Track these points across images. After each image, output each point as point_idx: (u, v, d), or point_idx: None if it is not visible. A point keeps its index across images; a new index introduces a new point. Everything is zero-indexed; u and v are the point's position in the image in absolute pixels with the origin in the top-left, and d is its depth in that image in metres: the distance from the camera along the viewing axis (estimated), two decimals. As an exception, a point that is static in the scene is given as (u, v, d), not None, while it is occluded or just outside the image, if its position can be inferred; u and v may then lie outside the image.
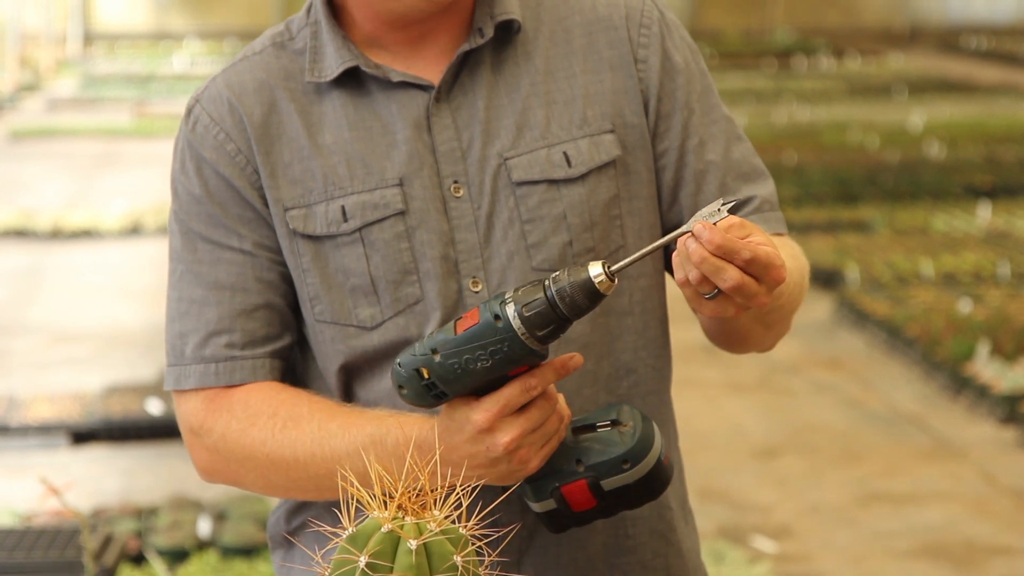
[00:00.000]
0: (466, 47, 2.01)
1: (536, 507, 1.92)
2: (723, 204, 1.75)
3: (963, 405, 7.40)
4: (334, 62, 2.02)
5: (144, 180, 13.36)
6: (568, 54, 2.05)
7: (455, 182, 2.00)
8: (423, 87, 2.01)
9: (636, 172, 2.05)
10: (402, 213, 1.99)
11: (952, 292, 9.07)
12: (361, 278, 2.00)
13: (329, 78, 2.02)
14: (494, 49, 2.04)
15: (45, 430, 6.92)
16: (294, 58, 2.06)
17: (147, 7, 25.46)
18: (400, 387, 1.85)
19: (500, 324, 1.79)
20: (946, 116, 16.34)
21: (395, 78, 2.01)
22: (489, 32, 2.01)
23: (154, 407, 7.01)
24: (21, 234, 11.41)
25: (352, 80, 2.03)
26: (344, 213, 1.99)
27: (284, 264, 2.03)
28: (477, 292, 1.99)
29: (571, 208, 2.01)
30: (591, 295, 1.78)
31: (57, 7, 23.69)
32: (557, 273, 1.79)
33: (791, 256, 2.01)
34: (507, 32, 2.04)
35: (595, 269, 1.77)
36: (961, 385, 7.48)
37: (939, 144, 14.03)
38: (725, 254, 1.74)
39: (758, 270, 1.75)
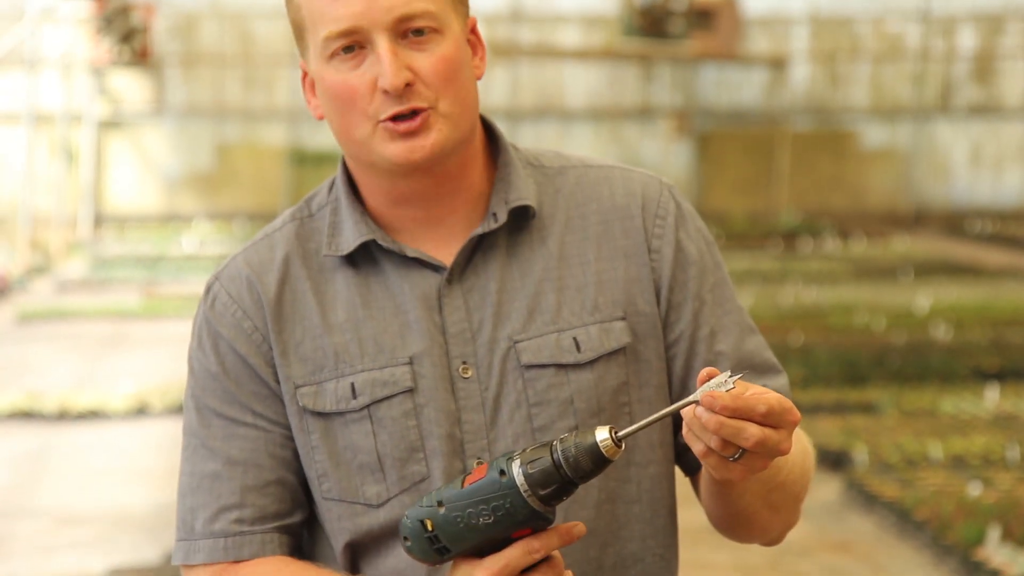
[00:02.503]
0: (480, 231, 2.03)
1: None
2: (731, 377, 1.76)
3: (974, 590, 7.32)
4: (351, 236, 2.05)
5: (152, 361, 13.37)
6: (583, 240, 2.07)
7: (464, 363, 2.02)
8: (436, 267, 2.03)
9: (646, 360, 2.06)
10: (411, 391, 2.01)
11: (961, 475, 9.02)
12: (368, 455, 2.01)
13: (345, 252, 2.05)
14: (509, 232, 2.06)
15: (48, 614, 6.85)
16: (312, 235, 2.09)
17: (157, 190, 25.70)
18: (405, 539, 1.86)
19: (504, 480, 1.80)
20: (952, 299, 16.38)
21: (410, 254, 2.03)
22: (503, 217, 2.04)
23: (158, 591, 6.95)
24: (28, 416, 11.39)
25: (367, 256, 2.05)
26: (353, 390, 2.01)
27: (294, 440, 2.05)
28: None
29: (579, 393, 2.01)
30: (596, 459, 1.78)
31: (68, 191, 23.91)
32: (565, 435, 1.80)
33: (797, 443, 2.01)
34: (522, 217, 2.06)
35: (602, 434, 1.78)
36: (972, 570, 7.41)
37: (946, 326, 14.05)
38: (741, 415, 1.75)
39: (775, 420, 1.77)
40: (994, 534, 7.49)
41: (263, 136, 25.99)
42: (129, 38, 24.81)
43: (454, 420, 2.01)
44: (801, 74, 27.13)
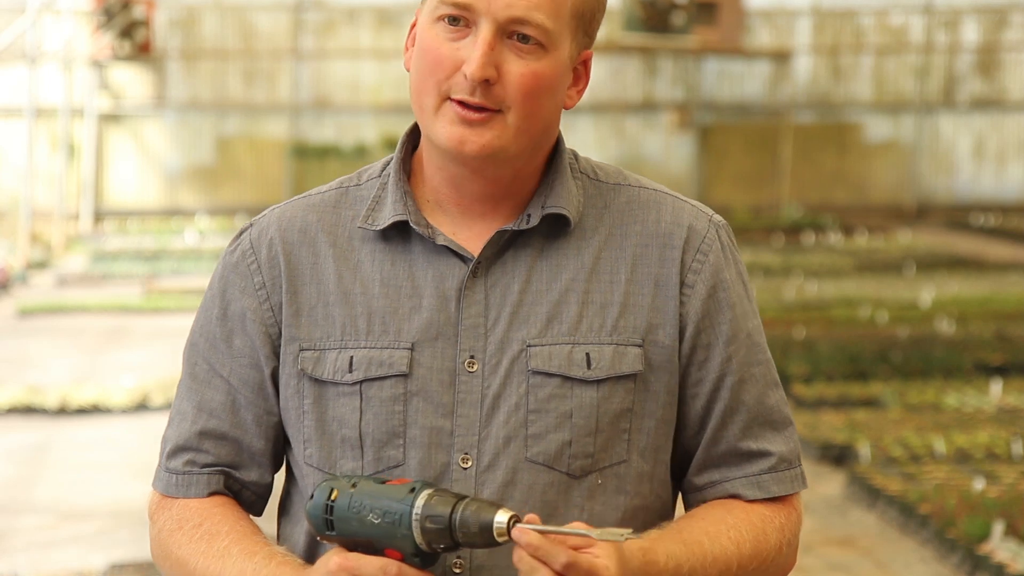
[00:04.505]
0: (510, 227, 2.02)
1: None
2: (626, 536, 1.79)
3: (979, 585, 7.30)
4: (388, 213, 2.05)
5: (152, 355, 13.36)
6: (618, 259, 2.05)
7: (471, 357, 2.01)
8: (464, 258, 2.01)
9: (655, 392, 2.03)
10: (404, 376, 2.01)
11: (965, 470, 9.00)
12: (351, 430, 2.02)
13: (379, 227, 2.05)
14: (546, 236, 2.05)
15: (48, 610, 6.84)
16: (352, 204, 2.10)
17: (158, 185, 25.69)
18: (311, 496, 1.92)
19: (408, 497, 1.84)
20: (955, 293, 16.37)
21: (439, 241, 2.03)
22: (535, 220, 2.03)
23: (159, 587, 6.93)
24: (28, 410, 11.37)
25: (399, 236, 2.06)
26: (351, 364, 2.02)
27: (261, 407, 2.08)
28: (466, 468, 1.99)
29: (579, 409, 1.99)
30: (486, 537, 1.81)
31: (69, 185, 23.91)
32: (474, 501, 1.83)
33: (754, 536, 2.02)
34: (561, 224, 2.05)
35: (501, 517, 1.81)
36: (976, 565, 7.39)
37: (949, 320, 14.03)
38: (541, 557, 1.79)
39: (575, 574, 1.80)
40: (998, 529, 7.47)
41: (264, 130, 25.98)
42: (130, 32, 24.80)
43: (446, 412, 2.00)
44: (804, 67, 27.11)
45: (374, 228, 2.06)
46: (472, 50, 1.98)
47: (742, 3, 24.30)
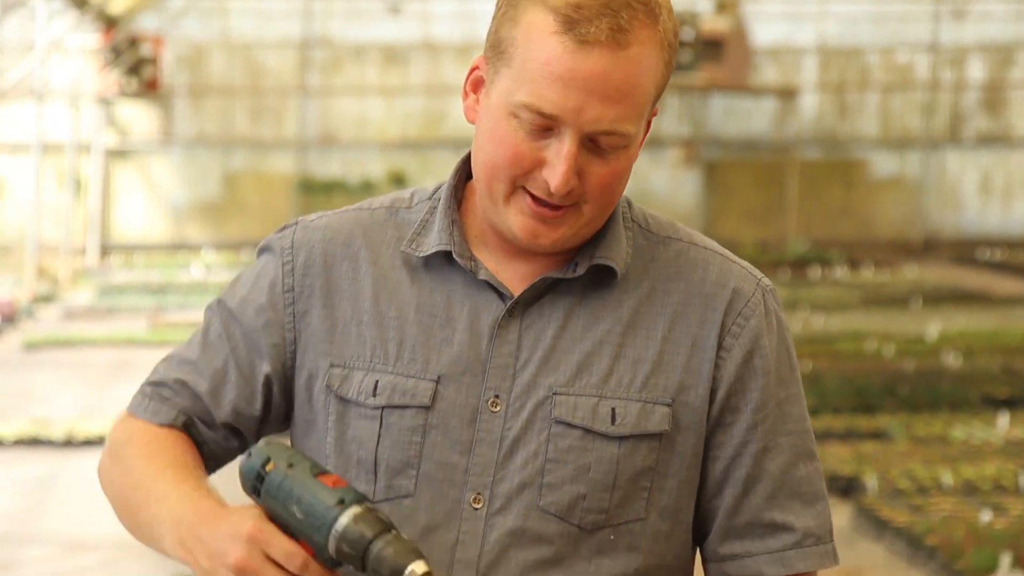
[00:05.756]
0: (554, 275, 1.98)
1: None
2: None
3: (987, 616, 7.28)
4: (434, 241, 2.01)
5: (159, 389, 13.34)
6: (658, 315, 2.00)
7: (496, 396, 1.97)
8: (503, 296, 1.99)
9: (681, 453, 1.98)
10: (425, 408, 1.97)
11: (973, 502, 8.98)
12: (368, 453, 2.00)
13: (421, 255, 2.02)
14: (588, 284, 2.00)
15: (53, 640, 6.82)
16: (400, 225, 2.06)
17: (164, 219, 25.73)
18: (249, 454, 1.91)
19: (336, 508, 1.82)
20: (962, 326, 16.35)
21: (481, 276, 1.99)
22: (581, 270, 1.98)
23: (164, 616, 6.92)
24: (35, 442, 11.37)
25: (441, 263, 2.02)
26: (375, 388, 1.99)
27: (243, 394, 2.08)
28: (477, 509, 1.95)
29: (597, 464, 1.95)
30: None
31: (76, 219, 23.95)
32: (397, 541, 1.80)
33: None
34: (606, 274, 2.00)
35: (417, 568, 1.78)
36: (984, 596, 7.37)
37: (956, 354, 14.01)
38: None
39: None
40: (1006, 560, 7.45)
41: (271, 165, 26.02)
42: (138, 69, 24.87)
43: (464, 450, 1.96)
44: (810, 103, 27.15)
45: (417, 254, 2.02)
46: (556, 161, 1.90)
47: (748, 41, 24.35)
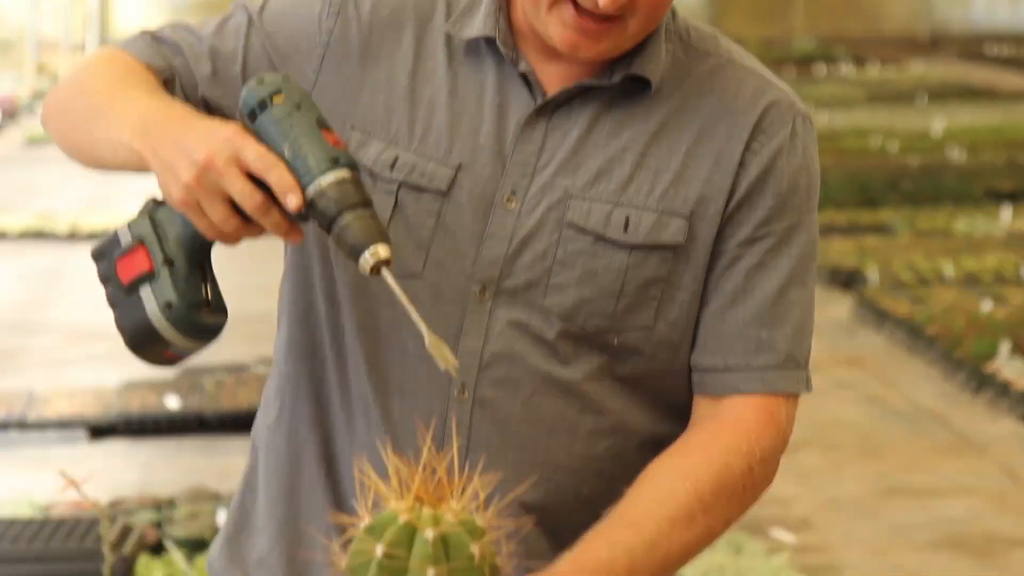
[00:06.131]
0: (588, 83, 1.94)
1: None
2: (451, 370, 1.71)
3: (984, 402, 7.37)
4: (478, 25, 1.96)
5: (163, 183, 13.36)
6: (685, 129, 1.96)
7: (512, 193, 1.93)
8: (534, 93, 1.95)
9: (695, 266, 1.94)
10: (442, 195, 1.93)
11: (973, 293, 9.03)
12: None
13: (463, 38, 1.97)
14: (621, 92, 1.95)
15: (64, 425, 6.92)
16: (448, 4, 2.00)
17: (163, 15, 25.51)
18: (262, 80, 1.80)
19: (320, 167, 1.74)
20: (967, 122, 16.30)
21: (521, 68, 1.95)
22: (616, 79, 1.93)
23: (172, 402, 7.01)
24: (39, 236, 11.42)
25: (479, 50, 1.97)
26: (394, 163, 1.95)
27: (227, 98, 1.99)
28: (482, 302, 1.93)
29: (606, 270, 1.92)
30: (351, 257, 1.72)
31: (75, 15, 23.75)
32: (367, 218, 1.72)
33: (716, 473, 1.89)
34: (639, 84, 1.95)
35: (381, 250, 1.71)
36: (982, 383, 7.45)
37: (960, 149, 13.99)
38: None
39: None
40: (1005, 347, 7.52)
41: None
42: None
43: (474, 242, 1.93)
44: (817, -103, 26.76)
45: (460, 37, 1.97)
46: None
47: None
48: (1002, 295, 8.91)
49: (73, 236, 11.38)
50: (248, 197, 1.74)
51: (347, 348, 1.98)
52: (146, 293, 1.85)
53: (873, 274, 9.45)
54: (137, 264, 1.86)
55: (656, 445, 1.96)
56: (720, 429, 1.94)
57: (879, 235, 10.86)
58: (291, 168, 1.73)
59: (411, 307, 1.71)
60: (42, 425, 6.92)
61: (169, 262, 1.84)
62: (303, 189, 1.73)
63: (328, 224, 1.72)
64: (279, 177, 1.73)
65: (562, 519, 1.95)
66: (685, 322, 1.95)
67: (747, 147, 1.95)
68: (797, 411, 1.99)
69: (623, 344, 1.94)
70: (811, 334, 2.00)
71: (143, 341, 1.85)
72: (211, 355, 9.21)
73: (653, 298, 1.93)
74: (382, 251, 1.70)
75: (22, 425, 6.92)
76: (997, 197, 11.93)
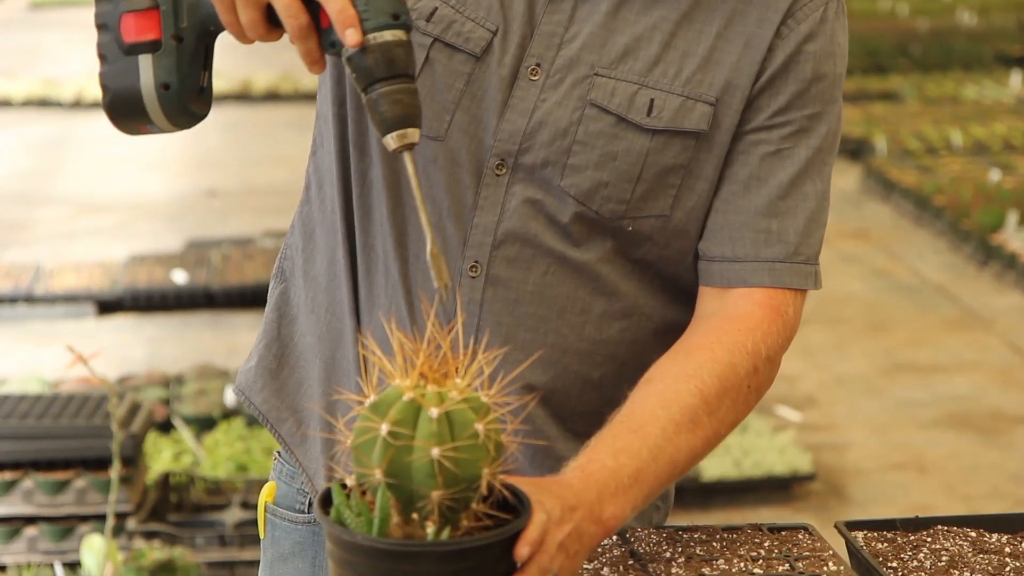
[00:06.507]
0: None
1: None
2: (441, 292, 1.63)
3: (990, 275, 7.37)
4: None
5: (168, 49, 13.28)
6: (716, 11, 1.91)
7: (537, 64, 1.90)
8: None
9: (718, 155, 1.91)
10: (475, 58, 1.89)
11: (981, 161, 8.99)
12: None
13: None
14: None
15: (71, 299, 6.95)
16: None
17: None
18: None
19: (381, 22, 1.62)
20: (978, -16, 16.14)
21: None
22: None
23: (179, 277, 7.02)
24: (44, 103, 11.37)
25: None
26: (432, 14, 1.90)
27: None
28: (499, 175, 1.90)
29: (626, 153, 1.88)
30: (378, 131, 1.63)
31: None
32: (411, 95, 1.62)
33: (719, 373, 1.84)
34: None
35: (411, 134, 1.61)
36: (989, 255, 7.44)
37: (970, 12, 13.87)
38: None
39: None
40: (1012, 218, 7.50)
41: None
42: None
43: (497, 111, 1.89)
44: None
45: None
46: None
47: None
48: (1010, 164, 8.88)
49: (78, 104, 11.33)
50: (293, 16, 1.66)
51: (373, 203, 1.96)
52: (145, 63, 1.75)
53: (881, 143, 9.41)
54: (145, 28, 1.74)
55: (669, 333, 1.94)
56: (725, 327, 1.91)
57: (887, 102, 10.80)
58: (355, 6, 1.62)
59: (423, 207, 1.65)
60: (50, 299, 6.94)
61: (179, 39, 1.74)
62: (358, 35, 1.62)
63: (367, 83, 1.62)
64: (342, 7, 1.63)
65: (570, 402, 1.94)
66: (702, 212, 1.93)
67: (777, 32, 1.91)
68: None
69: (637, 231, 1.92)
70: (823, 229, 1.97)
71: (126, 110, 1.77)
72: (217, 227, 9.24)
73: (672, 186, 1.90)
74: (412, 135, 1.62)
75: (30, 299, 6.94)
76: (1007, 62, 11.84)
